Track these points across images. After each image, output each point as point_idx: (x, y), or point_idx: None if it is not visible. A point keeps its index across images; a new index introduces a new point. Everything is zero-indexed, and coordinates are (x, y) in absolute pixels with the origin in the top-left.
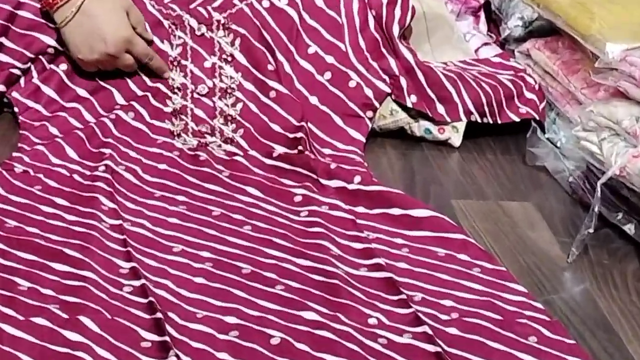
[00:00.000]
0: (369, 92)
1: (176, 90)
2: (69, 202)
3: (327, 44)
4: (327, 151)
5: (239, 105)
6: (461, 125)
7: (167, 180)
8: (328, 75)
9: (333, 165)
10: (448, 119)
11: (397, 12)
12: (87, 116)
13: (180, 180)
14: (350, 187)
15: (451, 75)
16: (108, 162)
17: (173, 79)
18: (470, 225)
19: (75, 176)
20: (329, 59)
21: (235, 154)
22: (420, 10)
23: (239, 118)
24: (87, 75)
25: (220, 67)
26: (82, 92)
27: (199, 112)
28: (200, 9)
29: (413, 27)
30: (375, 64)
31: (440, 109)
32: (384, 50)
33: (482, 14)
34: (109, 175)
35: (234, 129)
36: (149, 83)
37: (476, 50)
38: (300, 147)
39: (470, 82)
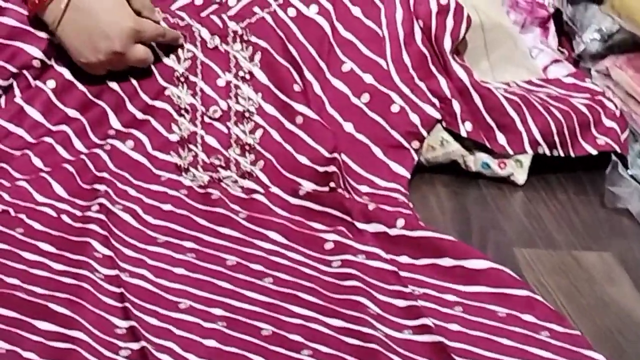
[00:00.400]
0: (414, 118)
1: (183, 112)
2: (56, 248)
3: (365, 60)
4: (364, 189)
5: (259, 133)
6: (526, 159)
7: (172, 224)
8: (366, 97)
9: (371, 206)
10: (510, 151)
11: (449, 22)
12: (77, 143)
13: (188, 223)
14: (392, 232)
15: (514, 99)
16: (103, 200)
17: (179, 98)
18: (537, 279)
19: (64, 217)
20: (367, 78)
21: (255, 191)
22: (477, 21)
23: (258, 148)
24: (79, 94)
25: (237, 87)
26: (71, 113)
27: (211, 141)
28: (214, 17)
29: (468, 40)
30: (422, 85)
31: (501, 139)
32: (432, 67)
33: (551, 26)
34: (104, 216)
35: (253, 160)
36: (150, 102)
37: (544, 69)
38: (332, 184)
39: (537, 107)
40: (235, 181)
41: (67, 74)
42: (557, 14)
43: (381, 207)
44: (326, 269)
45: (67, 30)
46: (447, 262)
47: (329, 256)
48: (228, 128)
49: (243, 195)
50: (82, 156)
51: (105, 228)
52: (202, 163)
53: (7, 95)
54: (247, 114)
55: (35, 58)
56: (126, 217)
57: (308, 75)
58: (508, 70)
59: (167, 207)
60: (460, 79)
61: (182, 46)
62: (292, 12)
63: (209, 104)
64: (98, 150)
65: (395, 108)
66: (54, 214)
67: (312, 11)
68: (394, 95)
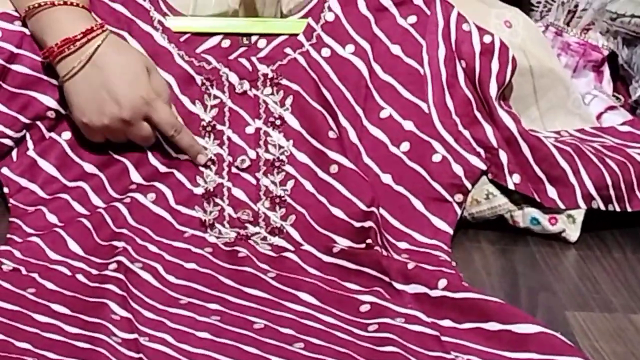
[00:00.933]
0: (458, 169)
1: (209, 164)
2: (70, 309)
3: (405, 104)
4: (403, 245)
5: (290, 184)
6: (579, 214)
7: (196, 284)
8: (406, 146)
9: (411, 265)
10: (562, 206)
11: (494, 65)
12: (95, 199)
13: (213, 284)
14: (434, 293)
15: (566, 149)
16: (121, 258)
17: (205, 148)
18: (592, 345)
19: (79, 276)
20: (407, 125)
21: (285, 249)
22: (525, 64)
23: (289, 200)
24: (97, 147)
25: (267, 134)
26: (89, 168)
27: (238, 193)
28: (243, 60)
29: (516, 86)
30: (466, 133)
31: (552, 192)
32: (477, 114)
33: (606, 70)
34: (122, 275)
35: (283, 215)
36: (174, 154)
37: (598, 116)
38: (368, 241)
39: (590, 158)
40: (264, 238)
41: None
42: (612, 57)
43: (422, 266)
44: (362, 333)
45: (77, 85)
46: (493, 326)
47: (365, 319)
48: (257, 179)
49: (272, 254)
50: (100, 209)
51: (123, 288)
52: (229, 218)
53: (20, 148)
54: (277, 163)
55: (50, 109)
56: (146, 276)
57: (343, 121)
58: (559, 118)
59: (190, 265)
60: (508, 127)
61: (208, 92)
62: (326, 52)
63: (237, 153)
64: (117, 204)
65: (437, 157)
66: (68, 272)
67: (347, 51)
68: (436, 144)
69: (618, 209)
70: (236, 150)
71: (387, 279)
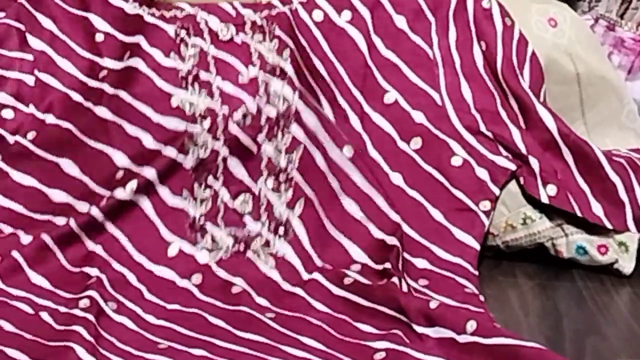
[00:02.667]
0: (482, 173)
1: (199, 119)
2: (29, 355)
3: (413, 90)
4: (421, 264)
5: (298, 151)
6: (633, 242)
7: (178, 325)
8: (417, 142)
9: (434, 304)
10: (608, 225)
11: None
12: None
13: (198, 325)
14: (462, 339)
15: (619, 161)
16: (93, 293)
17: (191, 104)
18: None
19: (44, 315)
20: (418, 117)
21: (288, 263)
22: (571, 71)
23: (296, 177)
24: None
25: (266, 83)
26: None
27: (235, 166)
28: (224, 5)
29: (559, 95)
30: (489, 133)
31: (597, 209)
32: (502, 112)
33: None
34: (93, 316)
35: (290, 200)
36: (154, 118)
37: None
38: (387, 265)
39: None
40: (267, 243)
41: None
42: None
43: (446, 303)
44: None
45: None
46: None
47: None
48: (258, 145)
49: (274, 275)
50: (71, 220)
51: (92, 332)
52: (224, 210)
53: None
54: (282, 122)
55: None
56: (121, 318)
57: (342, 103)
58: (610, 134)
59: (173, 306)
60: (547, 127)
61: (185, 42)
62: (317, 15)
63: (234, 104)
64: (94, 211)
65: (456, 161)
66: (30, 311)
67: (343, 18)
68: (454, 144)
69: None
70: (232, 101)
71: (405, 319)
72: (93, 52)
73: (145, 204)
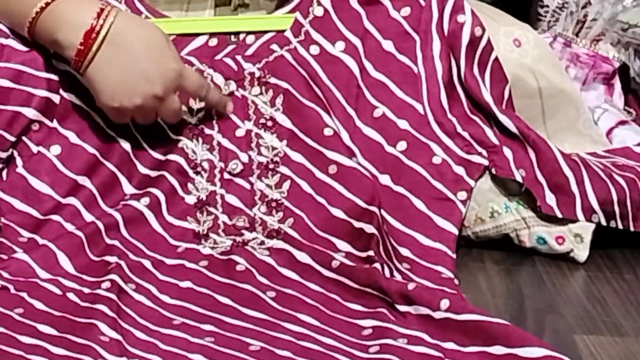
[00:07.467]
0: (459, 170)
1: (200, 170)
2: (57, 330)
3: (399, 104)
4: (405, 252)
5: (286, 185)
6: (587, 233)
7: (191, 304)
8: (402, 145)
9: (411, 286)
10: (559, 214)
11: (477, 60)
12: (87, 216)
13: (208, 304)
14: (437, 315)
15: (573, 158)
16: (114, 276)
17: (194, 152)
18: None
19: (70, 295)
20: (402, 124)
21: (283, 251)
22: (534, 86)
23: (286, 203)
24: (87, 159)
25: (258, 135)
26: (81, 180)
27: (232, 200)
28: (228, 60)
29: (523, 108)
30: (465, 134)
31: (550, 199)
32: (471, 115)
33: (617, 82)
34: (114, 295)
35: (281, 218)
36: (162, 157)
37: (609, 132)
38: (370, 253)
39: (596, 171)
40: (262, 242)
41: (72, 137)
42: (623, 70)
43: (422, 284)
44: (362, 355)
45: (101, 71)
46: (498, 349)
47: (366, 341)
48: (251, 184)
49: (271, 261)
50: (93, 220)
51: (114, 309)
52: (224, 226)
53: (9, 166)
54: (271, 165)
55: (34, 121)
56: (139, 297)
57: (336, 123)
58: (568, 139)
59: (185, 284)
60: (508, 129)
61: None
62: (314, 50)
63: (229, 158)
64: (111, 211)
65: (436, 160)
66: (59, 291)
67: (337, 49)
68: (434, 146)
69: (621, 227)
70: (227, 155)
71: (389, 299)
72: None
73: (153, 221)
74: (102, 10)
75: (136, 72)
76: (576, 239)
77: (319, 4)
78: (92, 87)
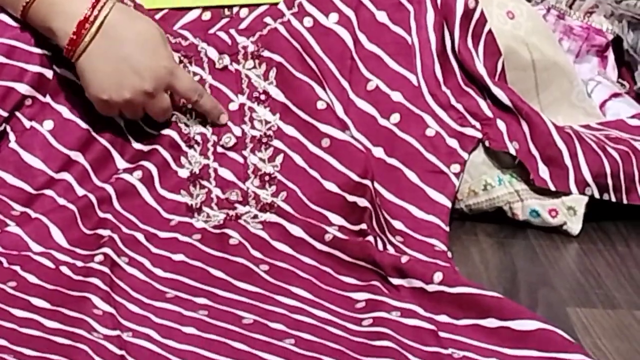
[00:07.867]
0: (452, 142)
1: (193, 144)
2: (50, 303)
3: (393, 76)
4: (398, 225)
5: (279, 159)
6: (580, 206)
7: (184, 277)
8: (396, 117)
9: (404, 259)
10: (552, 187)
11: (470, 33)
12: (80, 191)
13: (201, 277)
14: (430, 288)
15: (566, 131)
16: (107, 250)
17: (187, 126)
18: (594, 343)
19: (63, 268)
20: (396, 96)
21: (277, 224)
22: (527, 58)
23: (279, 177)
24: (80, 133)
25: (251, 109)
26: (73, 155)
27: (225, 173)
28: (221, 34)
29: (517, 80)
30: (459, 105)
31: (544, 171)
32: (465, 87)
33: (610, 55)
34: (107, 269)
35: (274, 192)
36: (155, 132)
37: (602, 104)
38: (363, 226)
39: (590, 144)
40: (255, 216)
41: (65, 112)
42: (617, 42)
43: (415, 257)
44: (355, 328)
45: (92, 62)
46: (491, 322)
47: (360, 314)
48: (244, 157)
49: (264, 235)
50: (85, 193)
51: (107, 282)
52: (217, 200)
53: (2, 141)
54: (264, 139)
55: (26, 96)
56: (132, 271)
57: (330, 95)
58: (561, 111)
59: (178, 257)
60: (501, 101)
61: (187, 70)
62: (308, 22)
63: (222, 132)
64: (104, 184)
65: (430, 132)
66: (51, 265)
67: (331, 21)
68: (428, 118)
69: (614, 199)
70: (221, 128)
71: (382, 272)
72: None
73: (145, 194)
74: (97, 1)
75: (127, 66)
76: (569, 211)
77: None
78: (82, 77)
